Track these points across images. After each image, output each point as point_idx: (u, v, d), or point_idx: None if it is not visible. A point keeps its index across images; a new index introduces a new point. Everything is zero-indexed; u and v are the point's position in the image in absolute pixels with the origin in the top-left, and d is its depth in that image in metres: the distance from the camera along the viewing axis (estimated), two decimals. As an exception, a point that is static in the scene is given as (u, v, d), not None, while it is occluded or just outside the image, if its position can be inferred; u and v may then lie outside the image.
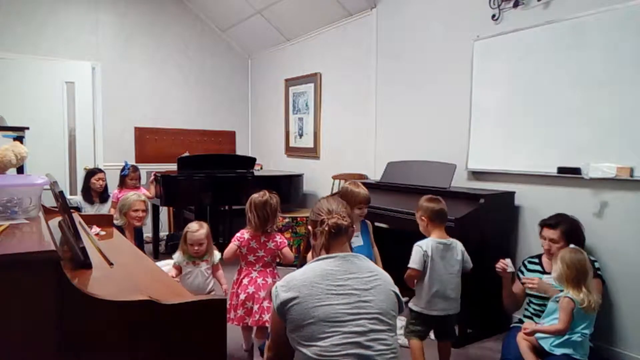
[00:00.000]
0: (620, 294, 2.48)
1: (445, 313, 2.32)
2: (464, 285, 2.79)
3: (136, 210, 3.09)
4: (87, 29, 5.15)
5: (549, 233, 2.41)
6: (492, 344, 2.76)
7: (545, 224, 2.47)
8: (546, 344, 2.08)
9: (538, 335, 2.11)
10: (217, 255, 2.65)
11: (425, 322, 2.35)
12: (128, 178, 4.33)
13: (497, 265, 2.44)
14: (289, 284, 1.43)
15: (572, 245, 2.22)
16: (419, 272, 2.29)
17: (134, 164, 4.63)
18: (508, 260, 2.42)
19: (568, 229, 2.41)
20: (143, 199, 3.23)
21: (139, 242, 3.33)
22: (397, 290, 1.54)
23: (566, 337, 2.05)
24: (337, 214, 1.58)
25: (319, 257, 1.52)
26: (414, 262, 2.31)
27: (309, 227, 1.68)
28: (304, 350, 1.35)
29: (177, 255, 2.57)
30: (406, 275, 2.35)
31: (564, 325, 2.04)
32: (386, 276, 1.54)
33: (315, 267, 1.47)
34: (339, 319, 1.36)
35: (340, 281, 1.42)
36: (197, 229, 2.54)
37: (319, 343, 1.33)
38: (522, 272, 2.55)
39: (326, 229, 1.53)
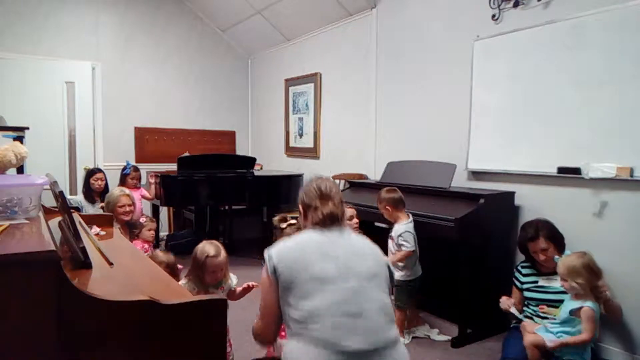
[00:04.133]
0: (620, 294, 2.47)
1: (421, 274, 2.87)
2: (464, 285, 2.80)
3: (122, 206, 3.09)
4: (87, 29, 5.15)
5: (536, 245, 2.39)
6: (492, 344, 2.77)
7: (527, 239, 2.42)
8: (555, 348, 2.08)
9: (549, 339, 2.11)
10: (233, 278, 2.26)
11: (410, 291, 2.81)
12: (129, 177, 4.34)
13: (502, 306, 2.46)
14: (280, 251, 1.45)
15: (567, 252, 2.22)
16: (414, 250, 2.77)
17: (134, 164, 4.63)
18: (512, 308, 2.42)
19: (548, 233, 2.40)
20: (127, 193, 3.22)
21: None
22: (389, 263, 1.58)
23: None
24: (332, 200, 1.56)
25: (309, 229, 1.56)
26: (411, 244, 2.75)
27: (300, 207, 1.64)
28: (295, 312, 1.36)
29: (185, 284, 2.09)
30: (403, 257, 2.76)
31: (590, 335, 2.05)
32: (377, 248, 1.57)
33: (304, 235, 1.52)
34: (329, 277, 1.38)
35: (330, 246, 1.47)
36: (217, 252, 2.12)
37: (307, 302, 1.35)
38: (518, 278, 2.55)
39: (320, 217, 1.53)
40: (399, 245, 2.77)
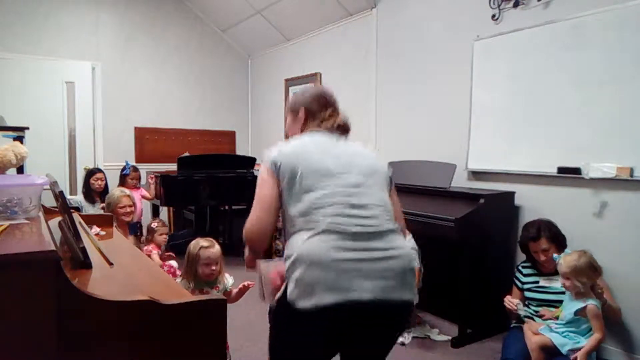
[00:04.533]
0: (620, 294, 2.47)
1: None
2: (464, 285, 2.80)
3: (123, 207, 3.08)
4: (87, 29, 5.14)
5: (537, 246, 2.40)
6: (492, 344, 2.77)
7: (528, 239, 2.44)
8: (563, 348, 2.08)
9: (556, 340, 2.11)
10: (229, 279, 2.22)
11: None
12: (129, 177, 4.34)
13: (506, 304, 2.43)
14: (281, 147, 1.42)
15: (567, 251, 2.22)
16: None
17: (134, 164, 4.63)
18: (519, 305, 2.40)
19: (550, 233, 2.41)
20: (127, 193, 3.22)
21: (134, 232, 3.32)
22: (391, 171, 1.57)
23: (583, 343, 2.05)
24: (340, 113, 1.57)
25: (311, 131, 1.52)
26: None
27: (298, 112, 1.57)
28: (299, 205, 1.33)
29: (180, 281, 2.10)
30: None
31: (603, 332, 2.06)
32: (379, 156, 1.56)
33: (306, 136, 1.49)
34: (330, 171, 1.37)
35: (332, 146, 1.46)
36: (211, 244, 2.14)
37: (311, 194, 1.32)
38: (518, 278, 2.55)
39: (330, 125, 1.51)
40: None
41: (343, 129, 1.54)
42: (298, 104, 1.57)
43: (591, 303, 2.05)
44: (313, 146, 1.43)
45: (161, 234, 3.13)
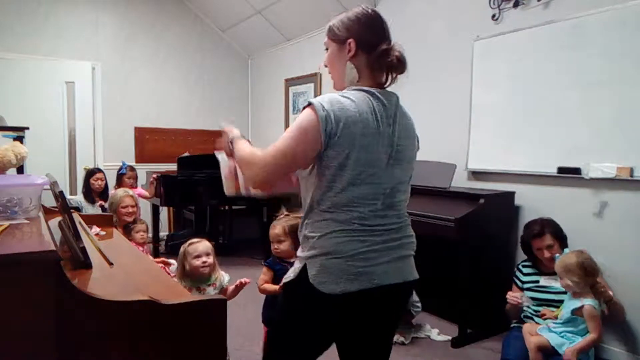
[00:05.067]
0: (620, 294, 2.47)
1: None
2: (464, 285, 2.80)
3: (125, 207, 3.08)
4: (87, 29, 5.14)
5: (541, 242, 2.40)
6: (492, 344, 2.77)
7: (533, 235, 2.44)
8: (561, 349, 2.08)
9: (553, 340, 2.11)
10: (225, 276, 2.24)
11: None
12: (125, 177, 4.34)
13: (510, 299, 2.42)
14: (342, 113, 1.16)
15: (566, 250, 2.22)
16: None
17: (131, 164, 4.63)
18: (523, 298, 2.40)
19: (553, 230, 2.42)
20: (131, 194, 3.22)
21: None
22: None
23: (580, 339, 2.06)
24: (393, 42, 1.31)
25: (360, 88, 1.26)
26: None
27: (346, 41, 1.29)
28: (332, 190, 1.20)
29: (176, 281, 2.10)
30: None
31: (598, 333, 2.06)
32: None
33: (366, 101, 1.23)
34: (381, 163, 1.23)
35: (385, 125, 1.25)
36: (199, 240, 2.18)
37: (351, 188, 1.20)
38: (518, 277, 2.55)
39: (394, 61, 1.29)
40: None
41: (402, 66, 1.32)
42: (340, 26, 1.32)
43: (588, 303, 2.05)
44: (370, 122, 1.20)
45: (138, 232, 3.10)
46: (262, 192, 1.29)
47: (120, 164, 4.50)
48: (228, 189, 1.47)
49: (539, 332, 2.19)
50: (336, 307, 1.22)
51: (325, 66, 1.40)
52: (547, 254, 2.38)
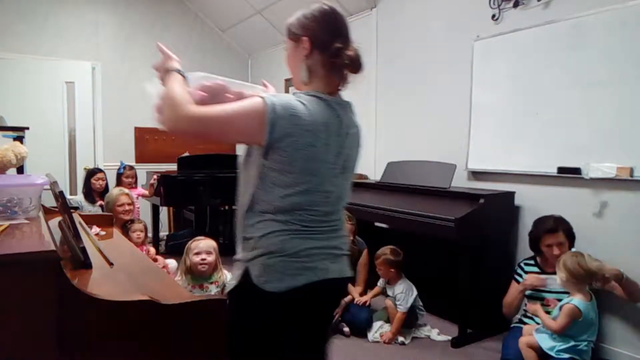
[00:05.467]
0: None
1: None
2: (464, 285, 2.80)
3: (121, 205, 3.08)
4: (87, 29, 5.14)
5: (554, 238, 2.39)
6: (492, 344, 2.76)
7: (545, 230, 2.43)
8: (552, 350, 2.08)
9: (543, 342, 2.11)
10: (227, 275, 2.23)
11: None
12: (123, 176, 4.32)
13: (532, 282, 2.38)
14: (292, 120, 1.14)
15: (573, 249, 2.23)
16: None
17: (130, 164, 4.61)
18: (549, 278, 2.37)
19: (567, 228, 2.42)
20: (126, 192, 3.22)
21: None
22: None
23: (572, 344, 2.06)
24: (351, 42, 1.26)
25: (316, 94, 1.23)
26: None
27: (301, 38, 1.28)
28: (274, 193, 1.19)
29: (178, 280, 2.13)
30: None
31: (558, 328, 2.07)
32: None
33: (320, 110, 1.20)
34: (328, 172, 1.22)
35: (336, 135, 1.23)
36: (203, 238, 2.20)
37: (295, 194, 1.18)
38: (520, 274, 2.55)
39: (346, 62, 1.23)
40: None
41: (358, 65, 1.27)
42: (297, 25, 1.31)
43: (572, 303, 2.07)
44: (324, 134, 1.19)
45: (134, 231, 3.10)
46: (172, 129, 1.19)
47: (119, 164, 4.50)
48: (159, 122, 1.30)
49: (534, 332, 2.21)
50: (282, 304, 1.19)
51: (285, 64, 1.38)
52: (556, 251, 2.35)
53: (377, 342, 2.83)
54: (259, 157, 1.19)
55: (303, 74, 1.28)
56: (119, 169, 4.43)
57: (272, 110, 1.13)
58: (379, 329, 2.90)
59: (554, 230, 2.39)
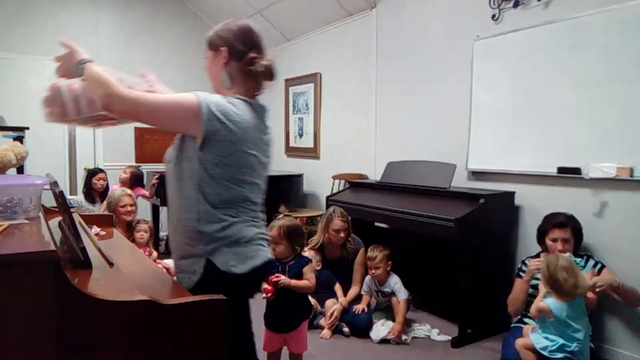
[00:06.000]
0: (620, 294, 2.47)
1: None
2: (464, 285, 2.79)
3: (124, 206, 3.09)
4: (87, 29, 5.14)
5: (561, 233, 2.38)
6: (492, 344, 2.76)
7: (554, 224, 2.42)
8: (545, 350, 2.08)
9: (537, 342, 2.12)
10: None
11: None
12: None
13: (537, 266, 2.31)
14: (225, 116, 1.28)
15: (568, 254, 2.21)
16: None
17: (133, 164, 4.61)
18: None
19: (577, 226, 2.42)
20: (129, 193, 3.23)
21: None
22: None
23: (561, 342, 2.05)
24: (266, 53, 1.43)
25: (240, 97, 1.37)
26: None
27: (220, 49, 1.40)
28: (217, 188, 1.32)
29: None
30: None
31: (532, 316, 2.16)
32: None
33: (246, 110, 1.36)
34: (257, 169, 1.41)
35: (261, 134, 1.42)
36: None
37: (235, 188, 1.35)
38: (524, 271, 2.55)
39: (260, 70, 1.39)
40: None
41: (271, 75, 1.43)
42: (213, 38, 1.44)
43: (545, 300, 2.09)
44: (254, 133, 1.37)
45: (138, 231, 3.11)
46: (105, 112, 1.32)
47: (123, 164, 4.48)
48: (54, 115, 1.42)
49: (529, 333, 2.21)
50: (246, 283, 1.39)
51: (207, 73, 1.50)
52: (560, 247, 2.35)
53: (379, 341, 2.82)
54: (195, 151, 1.30)
55: (225, 80, 1.42)
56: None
57: (205, 106, 1.26)
58: (383, 326, 2.89)
59: (563, 225, 2.39)
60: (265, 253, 1.44)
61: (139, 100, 1.26)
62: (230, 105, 1.32)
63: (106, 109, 1.27)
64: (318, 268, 3.03)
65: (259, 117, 1.41)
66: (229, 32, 1.41)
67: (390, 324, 2.90)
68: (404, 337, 2.84)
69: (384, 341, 2.82)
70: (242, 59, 1.40)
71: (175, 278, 1.44)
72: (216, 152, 1.29)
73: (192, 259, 1.34)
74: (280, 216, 2.28)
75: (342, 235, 3.07)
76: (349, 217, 3.18)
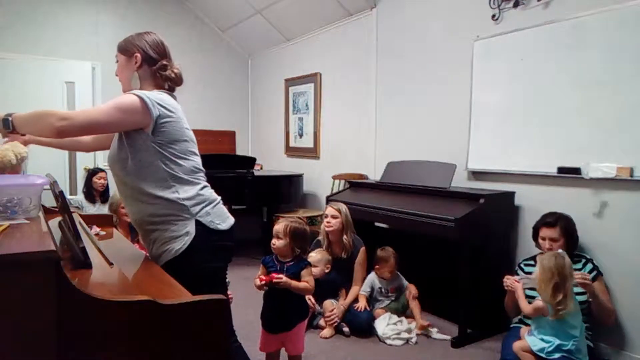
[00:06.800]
0: (619, 294, 2.48)
1: None
2: (464, 285, 2.79)
3: (125, 207, 3.09)
4: (87, 29, 5.14)
5: (549, 232, 2.43)
6: (492, 344, 2.77)
7: (543, 223, 2.49)
8: (542, 352, 2.09)
9: (533, 345, 2.12)
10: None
11: None
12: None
13: (508, 284, 2.39)
14: (161, 102, 1.52)
15: (560, 250, 2.22)
16: None
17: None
18: (522, 278, 2.38)
19: (566, 226, 2.43)
20: None
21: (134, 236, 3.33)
22: None
23: (558, 343, 2.05)
24: (172, 61, 1.71)
25: (158, 91, 1.59)
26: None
27: (134, 54, 1.65)
28: (178, 163, 1.56)
29: None
30: None
31: (528, 314, 2.19)
32: None
33: (170, 97, 1.62)
34: (194, 141, 1.68)
35: (183, 115, 1.66)
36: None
37: (190, 159, 1.61)
38: (519, 274, 2.55)
39: (172, 76, 1.66)
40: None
41: (181, 81, 1.69)
42: (133, 47, 1.65)
43: (538, 300, 2.11)
44: (180, 111, 1.61)
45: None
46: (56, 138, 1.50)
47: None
48: None
49: (524, 336, 2.21)
50: (229, 238, 1.65)
51: (116, 75, 1.72)
52: (547, 245, 2.41)
53: (384, 338, 2.83)
54: (148, 139, 1.50)
55: (135, 81, 1.64)
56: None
57: (146, 97, 1.47)
58: (388, 323, 2.89)
59: (552, 224, 2.44)
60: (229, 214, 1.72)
61: (90, 114, 1.45)
62: (158, 94, 1.55)
63: (61, 135, 1.39)
64: (327, 271, 3.02)
65: (177, 102, 1.65)
66: (143, 41, 1.66)
67: (395, 319, 2.93)
68: (406, 335, 2.84)
69: (384, 341, 2.82)
70: (154, 65, 1.64)
71: (160, 250, 1.57)
72: (168, 133, 1.52)
73: (182, 222, 1.55)
74: (294, 217, 2.31)
75: (331, 222, 3.09)
76: (347, 212, 3.15)
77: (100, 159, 5.23)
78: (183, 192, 1.57)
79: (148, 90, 1.58)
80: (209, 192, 1.67)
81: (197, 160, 1.67)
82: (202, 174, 1.68)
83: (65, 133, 1.39)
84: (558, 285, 2.04)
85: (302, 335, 2.26)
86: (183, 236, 1.54)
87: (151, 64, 1.64)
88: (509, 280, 2.38)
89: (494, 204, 2.89)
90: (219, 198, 1.70)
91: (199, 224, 1.56)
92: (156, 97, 1.52)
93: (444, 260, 3.16)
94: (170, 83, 1.67)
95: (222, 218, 1.64)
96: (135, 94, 1.47)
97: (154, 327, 1.09)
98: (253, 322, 2.83)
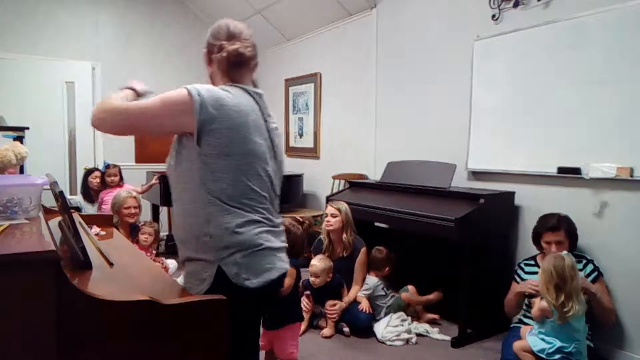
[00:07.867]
0: (620, 294, 2.48)
1: None
2: (464, 285, 2.79)
3: (128, 207, 3.10)
4: (87, 29, 5.14)
5: (554, 236, 2.41)
6: (492, 344, 2.76)
7: (547, 228, 2.45)
8: (542, 353, 2.09)
9: (534, 345, 2.12)
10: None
11: None
12: (106, 175, 4.26)
13: (529, 287, 2.38)
14: (218, 101, 1.23)
15: (564, 252, 2.21)
16: None
17: (114, 163, 4.55)
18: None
19: (569, 228, 2.43)
20: (134, 195, 3.25)
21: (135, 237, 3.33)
22: None
23: (559, 345, 2.05)
24: (240, 40, 1.40)
25: (237, 85, 1.36)
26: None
27: (204, 51, 1.43)
28: (222, 183, 1.24)
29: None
30: None
31: (534, 317, 2.18)
32: None
33: (241, 94, 1.32)
34: (262, 154, 1.32)
35: (261, 119, 1.36)
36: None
37: (242, 180, 1.26)
38: (519, 275, 2.55)
39: (224, 55, 1.35)
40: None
41: (239, 59, 1.40)
42: (204, 45, 1.46)
43: (542, 301, 2.11)
44: (252, 116, 1.30)
45: (143, 233, 3.13)
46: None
47: (124, 164, 4.46)
48: None
49: (526, 335, 2.21)
50: (258, 296, 1.29)
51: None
52: (554, 249, 2.38)
53: (383, 340, 2.83)
54: (194, 148, 1.23)
55: (210, 79, 1.45)
56: (102, 169, 4.39)
57: (196, 94, 1.21)
58: (388, 325, 2.89)
59: (556, 228, 2.42)
60: (283, 264, 1.34)
61: (129, 108, 1.24)
62: (222, 91, 1.27)
63: (97, 128, 1.25)
64: (328, 280, 2.98)
65: (256, 101, 1.37)
66: (208, 35, 1.45)
67: (398, 315, 2.95)
68: (407, 335, 2.84)
69: (384, 341, 2.83)
70: (216, 53, 1.38)
71: (181, 280, 1.40)
72: (215, 142, 1.22)
73: (203, 263, 1.25)
74: (294, 223, 2.28)
75: (331, 221, 3.08)
76: (348, 210, 3.14)
77: (100, 159, 5.23)
78: (215, 225, 1.23)
79: (219, 84, 1.35)
80: (254, 231, 1.27)
81: (258, 184, 1.29)
82: (257, 204, 1.29)
83: (99, 128, 1.28)
84: (559, 287, 2.04)
85: (293, 340, 2.20)
86: (200, 282, 1.25)
87: (214, 53, 1.40)
88: (524, 287, 2.41)
89: (494, 204, 2.88)
90: (269, 243, 1.29)
91: (220, 272, 1.23)
92: (214, 92, 1.25)
93: (444, 260, 3.15)
94: (231, 66, 1.38)
95: (254, 271, 1.25)
96: (185, 88, 1.23)
97: (154, 327, 1.09)
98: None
